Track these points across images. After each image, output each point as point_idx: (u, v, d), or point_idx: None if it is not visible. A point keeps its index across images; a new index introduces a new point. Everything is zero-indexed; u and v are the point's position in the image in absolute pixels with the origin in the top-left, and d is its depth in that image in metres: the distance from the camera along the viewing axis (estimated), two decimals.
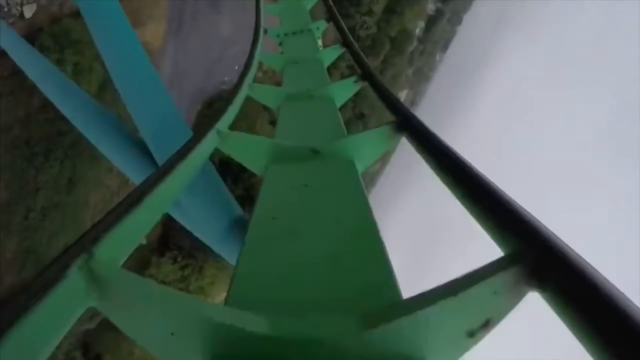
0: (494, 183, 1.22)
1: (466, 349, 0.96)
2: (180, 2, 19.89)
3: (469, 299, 0.90)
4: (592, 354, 0.73)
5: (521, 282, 0.93)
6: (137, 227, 1.23)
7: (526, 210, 1.06)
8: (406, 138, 1.86)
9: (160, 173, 1.40)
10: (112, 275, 0.98)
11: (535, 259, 0.92)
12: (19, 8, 15.24)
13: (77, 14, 15.13)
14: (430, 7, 58.27)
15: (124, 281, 0.98)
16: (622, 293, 0.75)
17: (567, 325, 0.81)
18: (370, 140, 1.97)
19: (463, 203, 1.30)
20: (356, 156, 1.91)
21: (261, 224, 1.48)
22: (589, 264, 0.84)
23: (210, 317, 0.90)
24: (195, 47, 19.75)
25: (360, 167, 1.89)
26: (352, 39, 3.62)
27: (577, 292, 0.79)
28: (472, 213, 1.25)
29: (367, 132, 1.98)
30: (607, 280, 0.79)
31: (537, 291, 0.91)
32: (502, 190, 1.17)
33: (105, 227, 1.09)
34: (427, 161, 1.59)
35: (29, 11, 15.49)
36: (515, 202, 1.10)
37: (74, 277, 0.93)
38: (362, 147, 1.94)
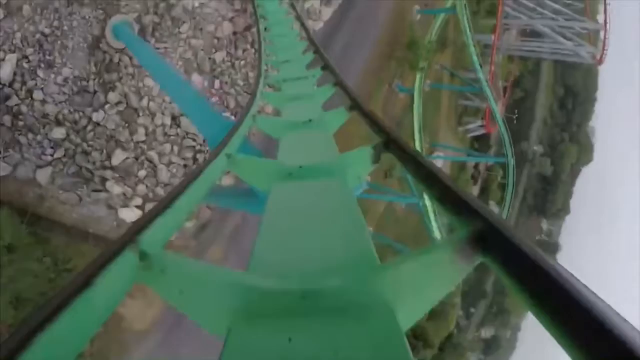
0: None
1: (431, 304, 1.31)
2: None
3: (430, 266, 1.28)
4: (531, 310, 0.94)
5: (468, 250, 1.22)
6: (176, 218, 1.63)
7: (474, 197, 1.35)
8: (393, 156, 2.08)
9: (184, 182, 1.74)
10: (155, 252, 1.32)
11: (479, 231, 1.20)
12: None
13: (43, 218, 12.50)
14: None
15: (165, 257, 1.33)
16: (556, 266, 0.92)
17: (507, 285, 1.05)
18: (357, 159, 2.29)
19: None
20: (348, 171, 2.24)
21: (269, 236, 1.67)
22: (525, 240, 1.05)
23: (232, 281, 1.31)
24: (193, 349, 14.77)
25: (351, 182, 2.19)
26: (360, 102, 3.34)
27: (513, 258, 1.04)
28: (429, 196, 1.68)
29: (355, 152, 2.32)
30: (541, 253, 0.98)
31: (481, 257, 1.20)
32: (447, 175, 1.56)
33: (149, 218, 1.44)
34: (410, 173, 1.84)
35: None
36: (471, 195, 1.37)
37: (127, 255, 1.25)
38: (352, 164, 2.27)
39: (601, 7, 31.93)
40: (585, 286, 0.83)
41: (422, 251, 1.30)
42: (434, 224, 23.22)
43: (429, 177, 1.57)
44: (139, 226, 1.35)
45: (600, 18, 32.60)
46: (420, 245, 31.16)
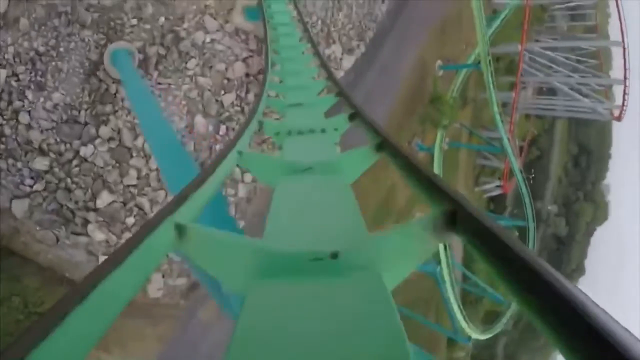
0: None
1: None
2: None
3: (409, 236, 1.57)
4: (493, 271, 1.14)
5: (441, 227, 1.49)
6: (202, 199, 1.94)
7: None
8: (387, 156, 2.47)
9: (199, 180, 1.94)
10: (189, 225, 1.56)
11: (450, 211, 1.45)
12: None
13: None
14: None
15: (196, 228, 1.56)
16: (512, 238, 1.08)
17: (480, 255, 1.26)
18: (356, 159, 2.55)
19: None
20: (349, 168, 2.49)
21: (278, 217, 1.86)
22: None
23: (252, 246, 1.54)
24: None
25: (350, 178, 2.45)
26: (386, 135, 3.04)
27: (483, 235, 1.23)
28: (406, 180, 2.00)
29: (354, 151, 2.60)
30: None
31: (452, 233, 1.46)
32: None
33: (186, 194, 1.76)
34: (400, 171, 2.15)
35: None
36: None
37: (166, 225, 1.50)
38: (351, 162, 2.53)
39: (614, 64, 31.39)
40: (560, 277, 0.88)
41: (404, 225, 1.60)
42: (449, 288, 21.14)
43: (409, 168, 1.98)
44: (176, 202, 1.67)
45: (612, 74, 32.07)
46: (432, 312, 29.40)
